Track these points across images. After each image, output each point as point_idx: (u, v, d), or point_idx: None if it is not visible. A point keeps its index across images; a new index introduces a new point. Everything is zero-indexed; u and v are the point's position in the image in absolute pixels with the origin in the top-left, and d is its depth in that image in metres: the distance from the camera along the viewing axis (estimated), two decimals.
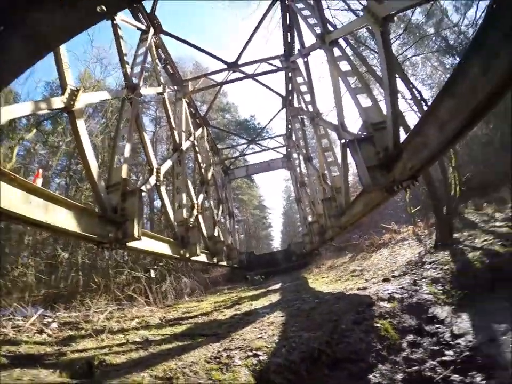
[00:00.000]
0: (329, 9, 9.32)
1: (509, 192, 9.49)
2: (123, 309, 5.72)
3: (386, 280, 5.32)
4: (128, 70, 6.43)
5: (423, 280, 4.83)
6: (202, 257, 8.53)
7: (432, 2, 8.87)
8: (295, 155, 15.99)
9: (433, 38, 16.53)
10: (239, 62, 10.98)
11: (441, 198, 6.96)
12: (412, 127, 4.91)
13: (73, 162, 10.20)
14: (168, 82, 9.90)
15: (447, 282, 4.75)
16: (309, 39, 8.41)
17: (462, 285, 4.62)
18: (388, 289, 4.70)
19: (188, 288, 8.48)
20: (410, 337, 3.68)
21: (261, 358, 3.41)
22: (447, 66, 17.07)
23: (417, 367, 3.14)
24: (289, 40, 9.92)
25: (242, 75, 11.41)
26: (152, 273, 7.71)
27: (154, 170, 6.73)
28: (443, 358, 3.24)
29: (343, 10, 9.94)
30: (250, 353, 3.51)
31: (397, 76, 5.63)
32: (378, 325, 3.85)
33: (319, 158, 9.11)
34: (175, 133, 8.86)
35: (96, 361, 3.36)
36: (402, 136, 3.85)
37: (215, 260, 9.88)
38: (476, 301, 4.32)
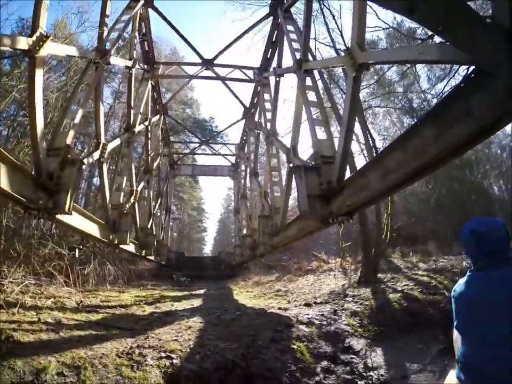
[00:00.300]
0: (315, 40, 9.71)
1: (434, 246, 10.63)
2: (40, 285, 5.20)
3: (308, 305, 5.50)
4: (105, 34, 6.07)
5: (343, 311, 5.06)
6: (131, 247, 8.15)
7: (409, 66, 9.67)
8: (243, 167, 16.07)
9: (400, 97, 18.03)
10: (215, 62, 10.92)
11: (371, 239, 7.48)
12: (358, 168, 5.23)
13: (20, 114, 9.12)
14: (140, 59, 9.49)
15: (365, 317, 5.03)
16: (287, 61, 8.69)
17: (379, 321, 4.94)
18: (308, 314, 4.85)
19: (111, 276, 7.99)
20: (324, 363, 3.79)
21: (174, 361, 3.32)
22: (405, 124, 18.66)
23: None
24: (268, 56, 10.08)
25: (214, 75, 11.35)
26: (77, 253, 7.15)
27: (101, 145, 6.34)
28: None
29: (327, 45, 10.42)
30: (163, 355, 3.40)
31: (356, 119, 6.00)
32: (294, 346, 3.93)
33: (265, 176, 9.28)
34: (132, 112, 8.48)
35: (3, 335, 3.04)
36: (348, 174, 4.10)
37: (143, 252, 9.49)
38: (392, 338, 4.64)
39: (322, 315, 4.85)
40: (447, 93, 2.90)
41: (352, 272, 8.09)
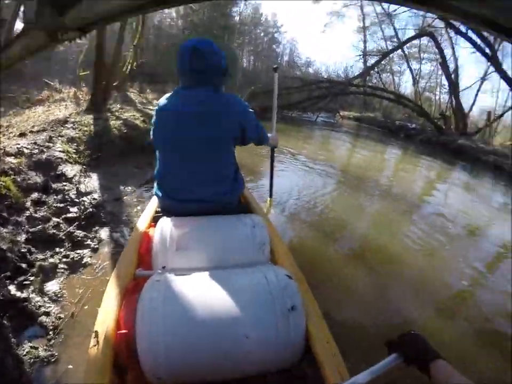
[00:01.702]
0: None
1: (172, 88, 10.94)
2: None
3: (22, 135, 4.64)
4: None
5: (60, 137, 4.63)
6: None
7: None
8: None
9: None
10: None
11: (108, 68, 6.84)
12: None
13: None
14: None
15: (83, 142, 4.77)
16: None
17: (97, 147, 4.82)
18: (19, 144, 4.18)
19: None
20: (35, 195, 3.39)
21: None
22: None
23: (41, 226, 2.95)
24: None
25: None
26: None
27: None
28: (67, 215, 3.23)
29: None
30: None
31: None
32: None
33: None
34: None
35: None
36: None
37: None
38: (108, 164, 4.62)
39: (35, 143, 4.22)
40: None
41: (86, 102, 7.20)
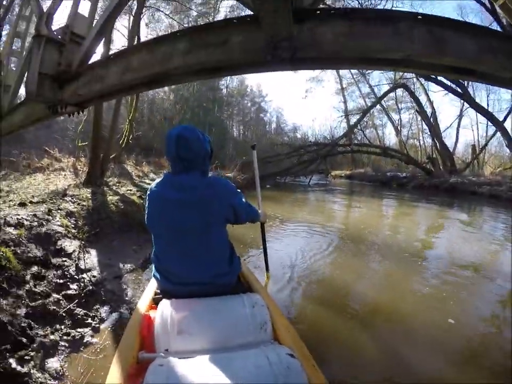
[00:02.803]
0: None
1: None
2: None
3: (22, 204, 4.69)
4: None
5: (59, 211, 4.66)
6: None
7: None
8: None
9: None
10: None
11: (105, 140, 7.16)
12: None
13: None
14: None
15: (81, 217, 4.79)
16: None
17: (95, 222, 4.84)
18: (19, 215, 4.19)
19: None
20: (35, 268, 3.32)
21: None
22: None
23: (41, 301, 2.86)
24: None
25: None
26: None
27: None
28: (68, 291, 3.17)
29: None
30: None
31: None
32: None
33: (5, 41, 6.88)
34: None
35: None
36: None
37: None
38: (107, 240, 4.62)
39: (35, 215, 4.24)
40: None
41: (84, 173, 7.44)
